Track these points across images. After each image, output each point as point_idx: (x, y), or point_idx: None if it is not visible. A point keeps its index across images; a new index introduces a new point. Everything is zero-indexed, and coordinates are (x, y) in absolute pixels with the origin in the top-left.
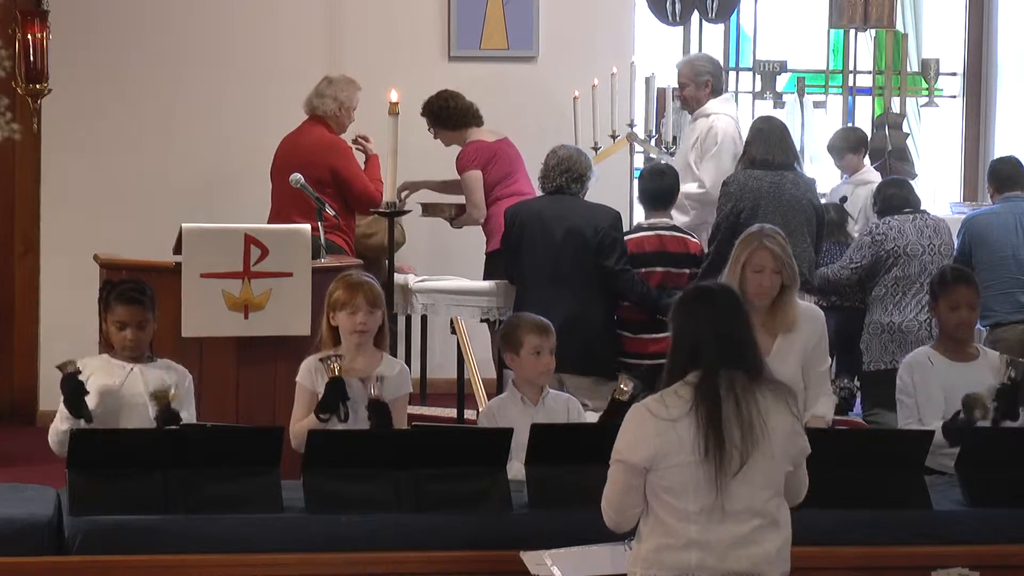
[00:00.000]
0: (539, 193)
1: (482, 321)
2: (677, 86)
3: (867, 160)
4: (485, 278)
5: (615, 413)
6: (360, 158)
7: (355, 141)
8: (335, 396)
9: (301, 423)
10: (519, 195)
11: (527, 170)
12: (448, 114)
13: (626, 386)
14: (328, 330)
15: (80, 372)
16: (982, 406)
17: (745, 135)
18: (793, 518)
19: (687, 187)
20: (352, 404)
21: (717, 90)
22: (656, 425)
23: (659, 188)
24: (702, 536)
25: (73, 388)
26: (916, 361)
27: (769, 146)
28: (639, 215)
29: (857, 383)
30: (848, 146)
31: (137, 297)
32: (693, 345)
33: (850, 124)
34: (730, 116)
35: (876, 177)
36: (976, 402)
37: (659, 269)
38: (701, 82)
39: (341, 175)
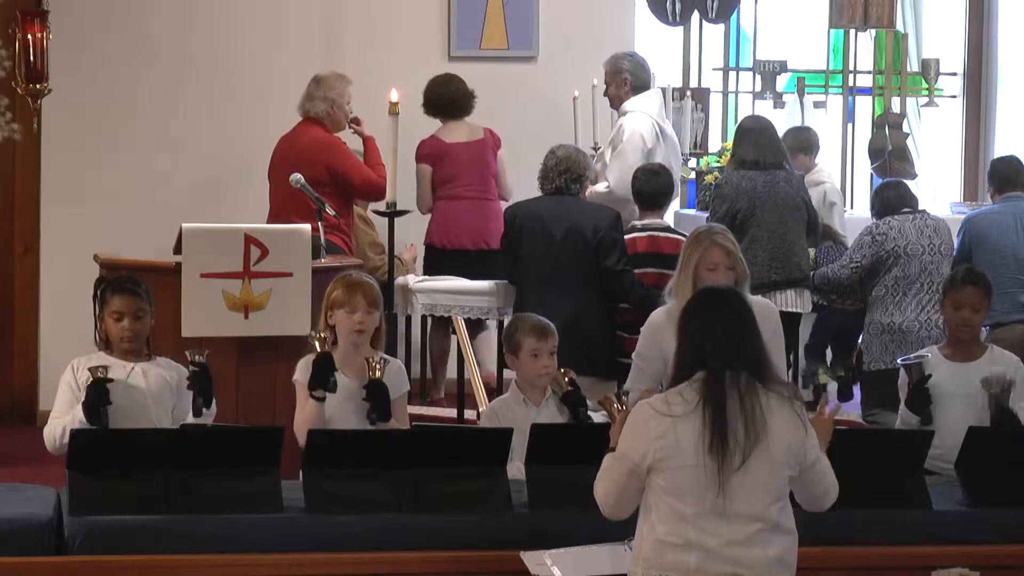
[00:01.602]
0: (523, 196)
1: (485, 319)
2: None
3: (817, 160)
4: (424, 272)
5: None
6: (357, 147)
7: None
8: (323, 370)
9: (303, 414)
10: (455, 199)
11: (500, 174)
12: (432, 100)
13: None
14: (324, 328)
15: (111, 380)
16: (919, 370)
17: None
18: (794, 518)
19: (596, 186)
20: (348, 405)
21: (638, 87)
22: (658, 425)
23: (653, 188)
24: (702, 538)
25: (99, 395)
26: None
27: (759, 147)
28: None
29: (823, 373)
30: (798, 146)
31: (132, 288)
32: (698, 347)
33: (802, 124)
34: (646, 113)
35: (827, 178)
36: (914, 371)
37: (652, 270)
38: (620, 80)
39: (339, 172)
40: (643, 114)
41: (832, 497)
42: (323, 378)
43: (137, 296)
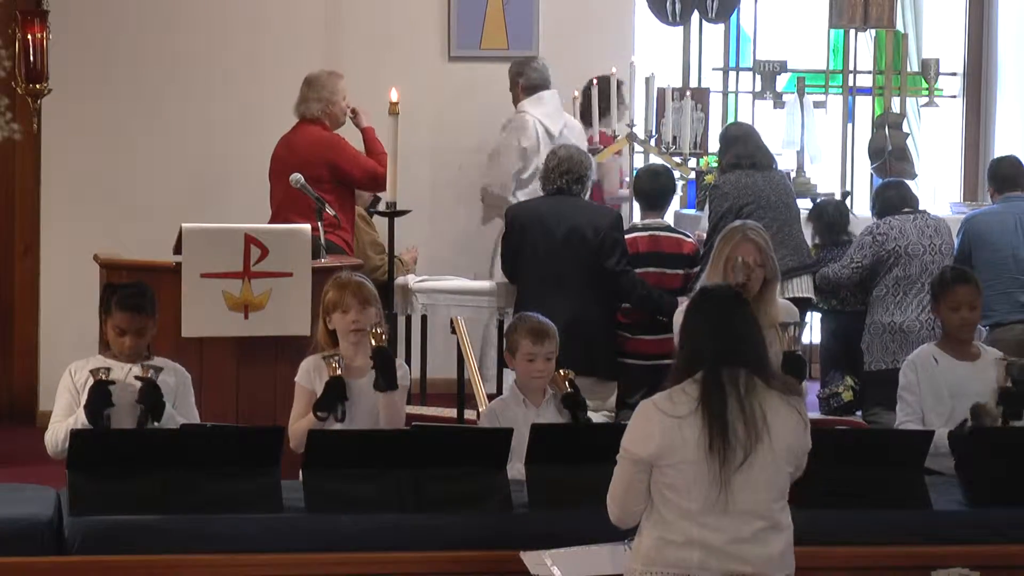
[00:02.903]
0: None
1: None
2: None
3: None
4: None
5: None
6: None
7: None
8: (334, 395)
9: (299, 423)
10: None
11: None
12: None
13: None
14: (324, 332)
15: (113, 383)
16: (991, 416)
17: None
18: (793, 518)
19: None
20: (350, 405)
21: (529, 88)
22: (662, 422)
23: (654, 188)
24: (704, 535)
25: (101, 397)
26: (920, 360)
27: (748, 150)
28: (639, 215)
29: (845, 384)
30: None
31: (138, 303)
32: (695, 345)
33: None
34: (531, 114)
35: None
36: (984, 412)
37: (653, 269)
38: (514, 83)
39: (340, 168)
40: (527, 115)
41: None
42: (332, 403)
43: (141, 313)
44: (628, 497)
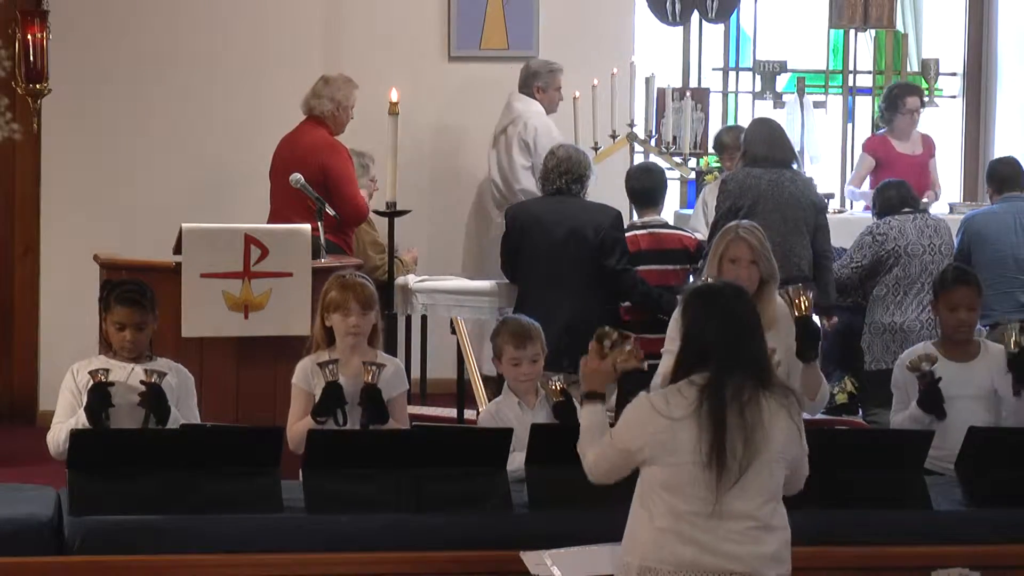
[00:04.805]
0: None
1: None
2: None
3: None
4: None
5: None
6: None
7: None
8: (332, 400)
9: (297, 425)
10: None
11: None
12: None
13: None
14: (321, 330)
15: (113, 384)
16: (927, 360)
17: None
18: (793, 518)
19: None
20: (348, 407)
21: None
22: (656, 422)
23: (646, 185)
24: (697, 534)
25: (100, 398)
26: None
27: (771, 144)
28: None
29: (843, 387)
30: (736, 144)
31: (136, 299)
32: (702, 346)
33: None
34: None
35: None
36: (919, 362)
37: (655, 267)
38: None
39: (332, 175)
40: None
41: (801, 484)
42: (330, 408)
43: (140, 308)
44: (610, 474)
